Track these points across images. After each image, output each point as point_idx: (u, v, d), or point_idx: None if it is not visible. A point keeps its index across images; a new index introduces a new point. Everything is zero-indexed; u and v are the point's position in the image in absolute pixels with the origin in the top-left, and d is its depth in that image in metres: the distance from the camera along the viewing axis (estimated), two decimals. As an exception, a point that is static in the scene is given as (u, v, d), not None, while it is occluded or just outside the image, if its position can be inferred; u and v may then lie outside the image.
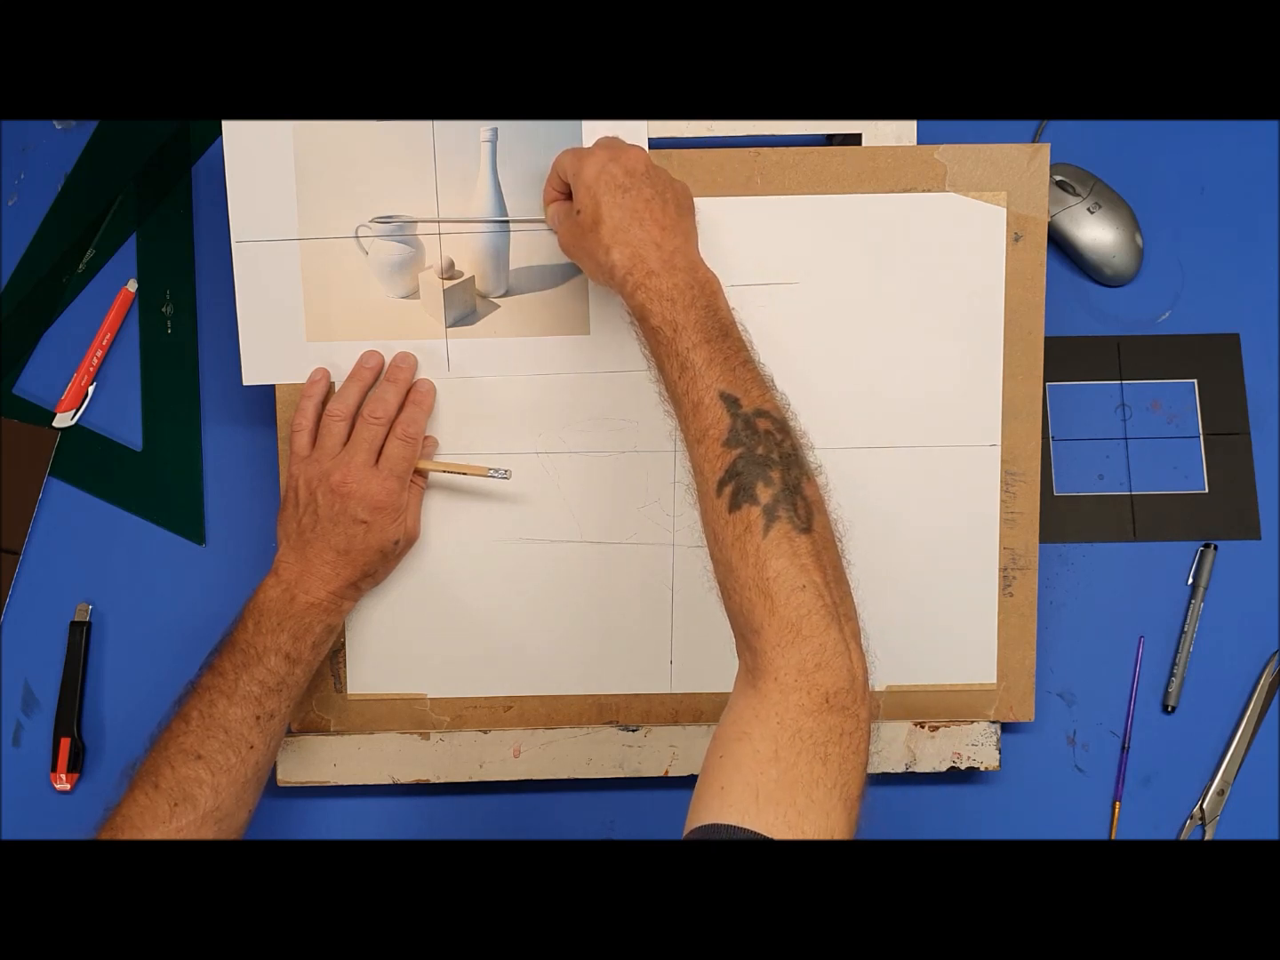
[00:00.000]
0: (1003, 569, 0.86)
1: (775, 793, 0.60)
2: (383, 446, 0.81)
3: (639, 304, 0.71)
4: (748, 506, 0.65)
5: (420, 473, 0.83)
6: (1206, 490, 0.92)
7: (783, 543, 0.64)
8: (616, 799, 0.89)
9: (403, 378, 0.83)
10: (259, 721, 0.77)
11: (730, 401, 0.67)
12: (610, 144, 0.77)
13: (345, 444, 0.81)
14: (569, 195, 0.78)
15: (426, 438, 0.84)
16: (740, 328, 0.72)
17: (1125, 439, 0.92)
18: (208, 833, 0.74)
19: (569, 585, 0.85)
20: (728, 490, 0.65)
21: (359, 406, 0.82)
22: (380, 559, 0.81)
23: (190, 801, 0.73)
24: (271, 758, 0.79)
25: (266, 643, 0.77)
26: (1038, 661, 0.87)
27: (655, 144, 0.82)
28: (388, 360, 0.83)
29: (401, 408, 0.82)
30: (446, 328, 0.84)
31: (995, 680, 0.86)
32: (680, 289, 0.71)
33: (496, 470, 0.83)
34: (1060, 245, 0.93)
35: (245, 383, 0.84)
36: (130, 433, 0.91)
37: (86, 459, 0.91)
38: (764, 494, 0.65)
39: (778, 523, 0.64)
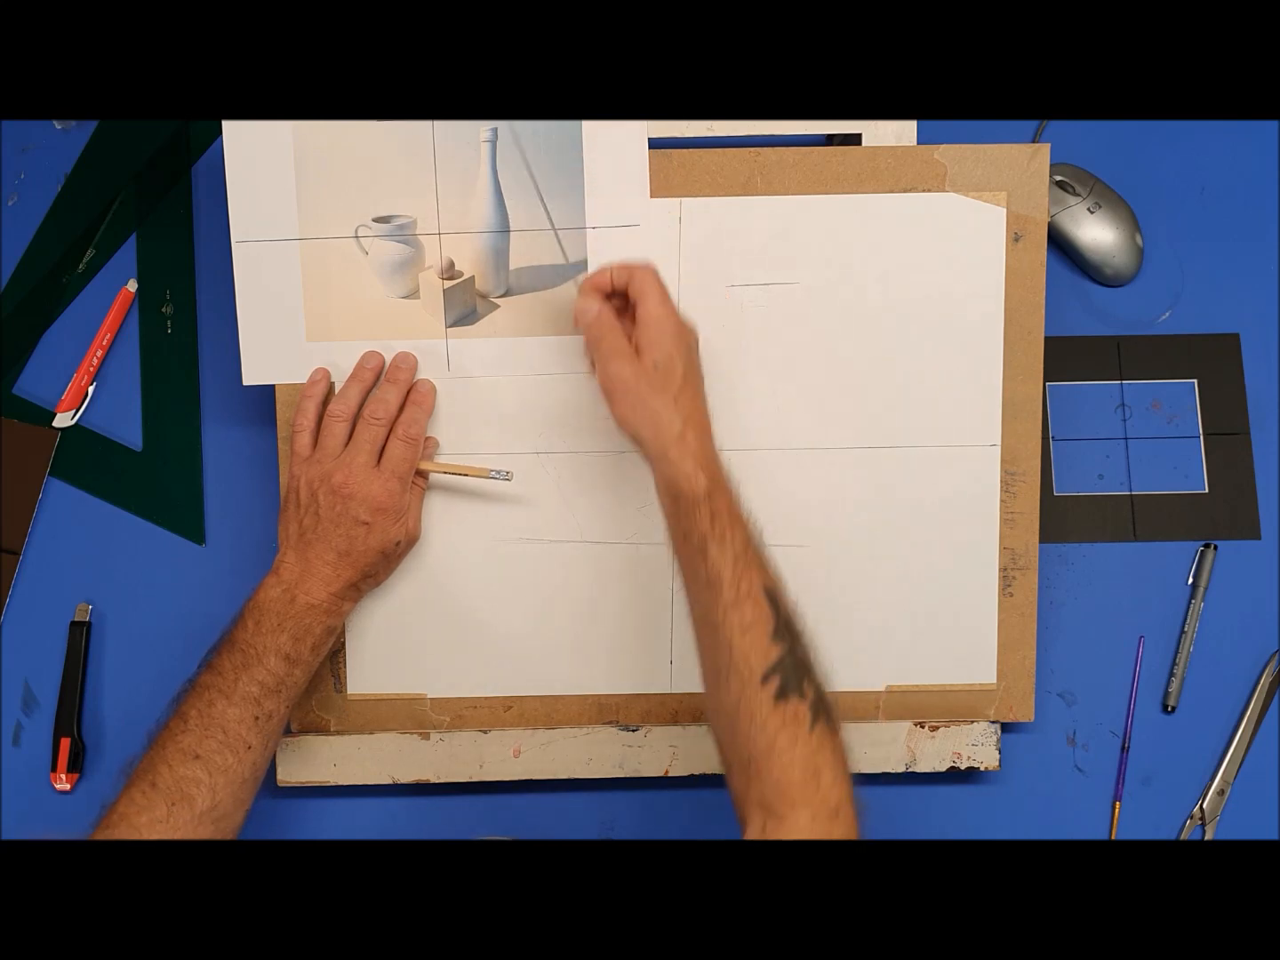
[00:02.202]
0: (1003, 569, 0.86)
1: None
2: (384, 447, 0.81)
3: (688, 474, 0.72)
4: (796, 700, 0.69)
5: (421, 473, 0.83)
6: (1206, 490, 0.92)
7: (826, 738, 0.69)
8: (616, 799, 0.89)
9: (403, 378, 0.83)
10: (257, 722, 0.77)
11: (772, 597, 0.71)
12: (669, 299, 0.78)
13: (346, 445, 0.81)
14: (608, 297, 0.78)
15: (427, 438, 0.84)
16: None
17: (1125, 439, 0.92)
18: (205, 832, 0.74)
19: (569, 585, 0.85)
20: (774, 681, 0.69)
21: (360, 407, 0.82)
22: (381, 560, 0.81)
23: (187, 801, 0.73)
24: (269, 758, 0.79)
25: (266, 643, 0.77)
26: (1038, 661, 0.87)
27: (655, 144, 0.82)
28: (388, 360, 0.83)
29: (402, 408, 0.82)
30: (446, 328, 0.84)
31: (995, 680, 0.86)
32: (717, 462, 0.74)
33: (497, 471, 0.83)
34: (1060, 245, 0.93)
35: (245, 383, 0.84)
36: (130, 433, 0.91)
37: (86, 459, 0.91)
38: (809, 691, 0.70)
39: (821, 719, 0.70)
